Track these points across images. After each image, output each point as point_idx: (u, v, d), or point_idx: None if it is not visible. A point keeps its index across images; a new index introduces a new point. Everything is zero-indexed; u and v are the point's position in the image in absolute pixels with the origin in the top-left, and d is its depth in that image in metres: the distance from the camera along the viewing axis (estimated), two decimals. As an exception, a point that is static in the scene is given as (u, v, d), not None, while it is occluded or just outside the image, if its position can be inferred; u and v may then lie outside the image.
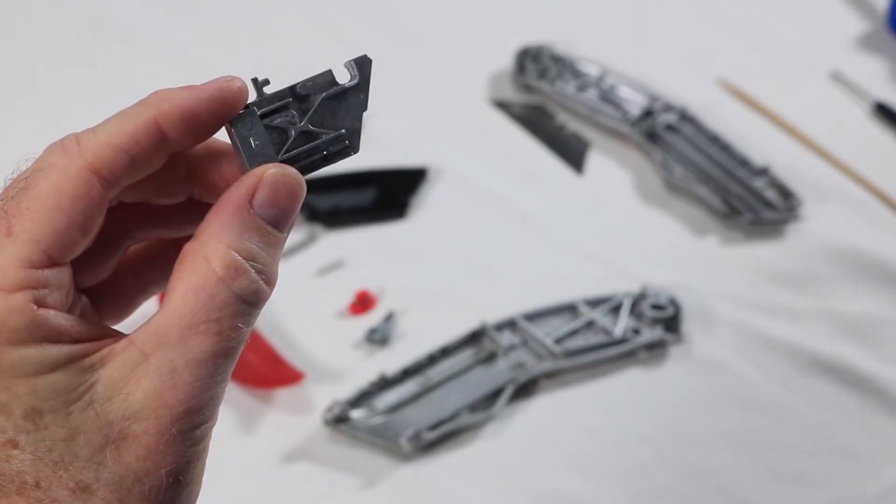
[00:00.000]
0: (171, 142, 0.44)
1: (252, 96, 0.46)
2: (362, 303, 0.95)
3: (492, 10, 1.28)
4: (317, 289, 0.98)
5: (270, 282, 0.44)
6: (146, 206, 0.47)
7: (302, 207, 0.45)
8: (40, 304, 0.41)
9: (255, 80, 0.46)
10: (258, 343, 0.89)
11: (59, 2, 1.26)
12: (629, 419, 0.89)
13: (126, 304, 0.49)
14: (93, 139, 0.43)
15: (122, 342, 0.42)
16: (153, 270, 0.49)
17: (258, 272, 0.43)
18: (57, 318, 0.42)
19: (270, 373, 0.89)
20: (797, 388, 0.91)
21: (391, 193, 1.05)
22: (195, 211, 0.47)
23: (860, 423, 0.89)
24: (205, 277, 0.42)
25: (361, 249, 1.01)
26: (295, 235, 1.00)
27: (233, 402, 0.87)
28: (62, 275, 0.42)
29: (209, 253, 0.43)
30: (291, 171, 0.45)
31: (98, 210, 0.43)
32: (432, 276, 0.99)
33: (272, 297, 0.44)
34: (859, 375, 0.91)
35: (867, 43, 1.23)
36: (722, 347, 0.93)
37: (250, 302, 0.43)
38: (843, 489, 0.85)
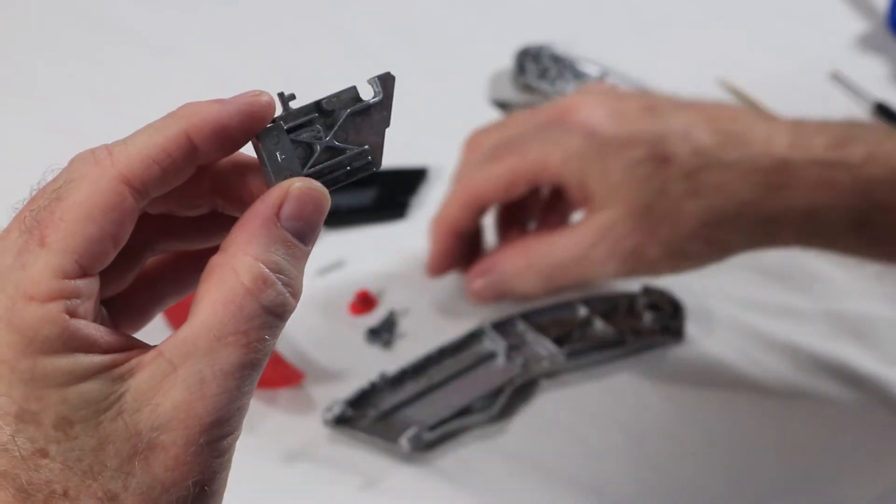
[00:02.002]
0: (200, 154, 0.44)
1: (278, 111, 0.46)
2: (362, 303, 0.95)
3: (492, 10, 1.28)
4: (317, 289, 0.97)
5: (296, 294, 0.44)
6: (169, 218, 0.47)
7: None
8: (72, 314, 0.41)
9: (281, 95, 0.46)
10: (258, 343, 0.89)
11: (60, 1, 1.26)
12: (629, 419, 0.89)
13: (141, 316, 0.49)
14: (124, 150, 0.43)
15: (151, 353, 0.43)
16: (168, 283, 0.49)
17: (285, 284, 0.44)
18: (88, 328, 0.42)
19: (270, 373, 0.88)
20: (797, 387, 0.91)
21: (391, 193, 1.05)
22: (216, 224, 0.47)
23: (860, 423, 0.89)
24: (233, 289, 0.43)
25: (361, 249, 1.01)
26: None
27: (233, 402, 0.87)
28: (92, 285, 0.43)
29: (237, 265, 0.43)
30: (317, 185, 0.46)
31: (129, 221, 0.43)
32: (432, 276, 0.99)
33: None
34: (859, 375, 0.91)
35: (867, 43, 1.23)
36: (722, 347, 0.93)
37: (277, 314, 0.43)
38: (843, 489, 0.85)
